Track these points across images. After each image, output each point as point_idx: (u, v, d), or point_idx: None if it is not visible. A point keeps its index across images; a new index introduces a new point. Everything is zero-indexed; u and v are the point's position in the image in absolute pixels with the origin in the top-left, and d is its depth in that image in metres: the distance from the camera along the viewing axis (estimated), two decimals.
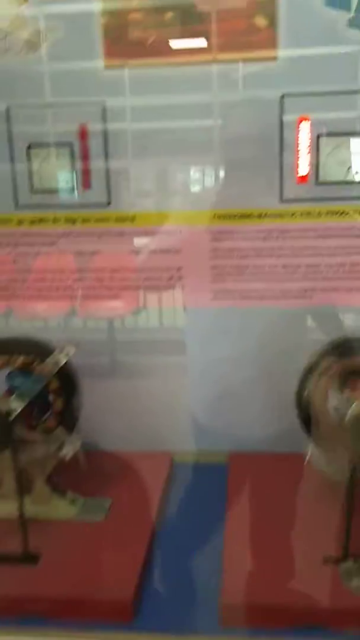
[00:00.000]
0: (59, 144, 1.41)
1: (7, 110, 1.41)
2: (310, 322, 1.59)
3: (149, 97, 1.39)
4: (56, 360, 1.21)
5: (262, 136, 1.36)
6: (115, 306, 1.69)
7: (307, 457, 1.43)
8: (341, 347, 1.28)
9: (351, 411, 1.04)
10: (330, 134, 1.34)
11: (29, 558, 1.12)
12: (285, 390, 1.38)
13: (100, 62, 1.39)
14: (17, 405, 1.13)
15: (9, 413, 1.11)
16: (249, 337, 1.53)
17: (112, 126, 1.39)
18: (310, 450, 1.40)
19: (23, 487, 1.14)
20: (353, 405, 1.04)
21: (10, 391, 1.23)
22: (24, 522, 1.13)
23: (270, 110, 1.33)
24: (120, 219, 1.42)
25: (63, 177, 1.44)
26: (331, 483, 1.33)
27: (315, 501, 1.30)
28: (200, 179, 1.58)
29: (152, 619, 1.02)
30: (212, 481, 1.43)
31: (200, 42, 1.35)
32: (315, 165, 1.36)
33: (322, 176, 1.37)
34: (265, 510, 1.27)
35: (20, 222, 1.43)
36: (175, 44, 1.36)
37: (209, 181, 1.55)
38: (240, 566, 1.08)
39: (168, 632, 0.99)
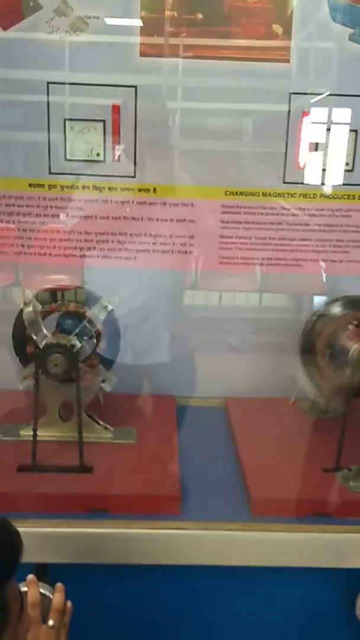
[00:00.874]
0: (93, 120, 1.59)
1: (47, 85, 1.57)
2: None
3: None
4: (103, 306, 1.42)
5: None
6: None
7: (293, 399, 1.73)
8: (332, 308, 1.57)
9: (354, 348, 1.34)
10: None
11: (85, 469, 1.34)
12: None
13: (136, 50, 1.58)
14: (77, 342, 1.35)
15: (73, 346, 1.32)
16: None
17: None
18: (297, 391, 1.70)
19: (80, 413, 1.36)
20: (356, 345, 1.34)
21: (60, 331, 1.43)
22: (81, 441, 1.35)
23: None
24: (144, 189, 1.63)
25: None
26: (314, 417, 1.65)
27: (303, 432, 1.59)
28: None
29: (195, 513, 1.27)
30: (213, 418, 1.70)
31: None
32: None
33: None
34: (266, 438, 1.55)
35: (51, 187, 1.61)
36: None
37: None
38: (258, 472, 1.36)
39: (211, 520, 1.25)
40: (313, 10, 1.58)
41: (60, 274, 1.67)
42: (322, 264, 1.69)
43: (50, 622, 1.02)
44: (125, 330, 1.64)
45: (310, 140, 1.61)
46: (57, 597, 1.06)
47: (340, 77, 1.61)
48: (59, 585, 1.11)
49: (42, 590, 1.10)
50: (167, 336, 1.88)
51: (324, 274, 1.75)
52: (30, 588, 1.07)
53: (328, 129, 1.61)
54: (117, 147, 1.61)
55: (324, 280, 1.77)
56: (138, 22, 1.56)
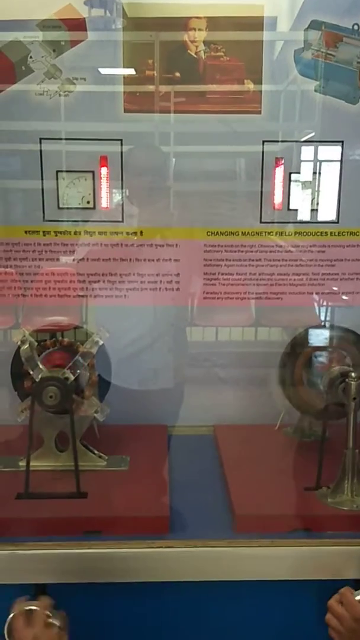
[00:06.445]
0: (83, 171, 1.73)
1: (40, 140, 1.71)
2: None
3: None
4: (95, 341, 1.53)
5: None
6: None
7: (278, 425, 1.83)
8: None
9: (329, 374, 1.45)
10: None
11: (81, 494, 1.43)
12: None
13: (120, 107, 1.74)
14: (71, 375, 1.46)
15: (67, 379, 1.43)
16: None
17: None
18: (282, 418, 1.80)
19: (75, 443, 1.46)
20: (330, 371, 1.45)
21: (55, 366, 1.54)
22: (77, 470, 1.44)
23: None
24: (131, 233, 1.76)
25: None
26: (297, 441, 1.74)
27: (287, 454, 1.69)
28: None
29: (182, 532, 1.36)
30: (203, 445, 1.80)
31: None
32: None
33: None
34: (251, 461, 1.64)
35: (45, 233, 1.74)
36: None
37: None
38: (242, 491, 1.46)
39: (198, 538, 1.33)
40: (281, 65, 1.73)
41: (59, 314, 1.79)
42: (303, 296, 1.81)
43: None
44: (121, 362, 1.76)
45: (283, 183, 1.73)
46: None
47: (307, 124, 1.76)
48: None
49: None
50: (162, 368, 2.00)
51: (303, 306, 1.86)
52: None
53: (298, 172, 1.74)
54: (105, 195, 1.74)
55: (316, 312, 1.90)
56: (121, 83, 1.72)
